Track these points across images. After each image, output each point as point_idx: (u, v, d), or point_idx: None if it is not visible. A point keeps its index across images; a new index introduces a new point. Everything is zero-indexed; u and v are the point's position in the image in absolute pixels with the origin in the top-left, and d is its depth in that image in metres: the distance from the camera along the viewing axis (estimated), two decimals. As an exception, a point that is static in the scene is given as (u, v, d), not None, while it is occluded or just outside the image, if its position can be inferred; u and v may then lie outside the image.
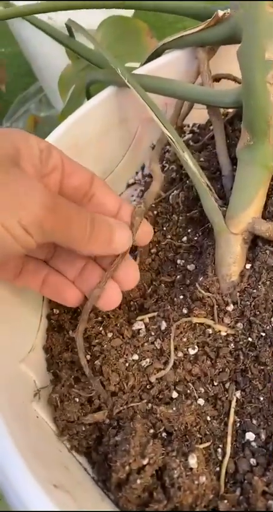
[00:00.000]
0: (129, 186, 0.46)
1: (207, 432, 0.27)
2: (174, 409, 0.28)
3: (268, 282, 0.29)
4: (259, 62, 0.25)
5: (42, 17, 0.48)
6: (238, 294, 0.29)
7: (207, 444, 0.27)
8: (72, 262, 0.30)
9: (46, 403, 0.29)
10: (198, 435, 0.27)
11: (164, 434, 0.27)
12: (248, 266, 0.30)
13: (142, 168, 0.47)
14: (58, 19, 0.67)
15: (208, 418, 0.28)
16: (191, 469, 0.23)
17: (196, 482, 0.23)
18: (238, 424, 0.27)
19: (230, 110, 0.40)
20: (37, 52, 0.89)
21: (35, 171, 0.25)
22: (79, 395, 0.28)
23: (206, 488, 0.23)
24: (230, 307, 0.29)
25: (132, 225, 0.29)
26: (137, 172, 0.46)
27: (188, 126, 0.45)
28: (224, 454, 0.26)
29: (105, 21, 0.60)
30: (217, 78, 0.41)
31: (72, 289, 0.29)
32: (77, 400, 0.28)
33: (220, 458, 0.26)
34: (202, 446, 0.26)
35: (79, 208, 0.25)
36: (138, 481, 0.23)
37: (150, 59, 0.43)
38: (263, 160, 0.30)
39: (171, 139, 0.33)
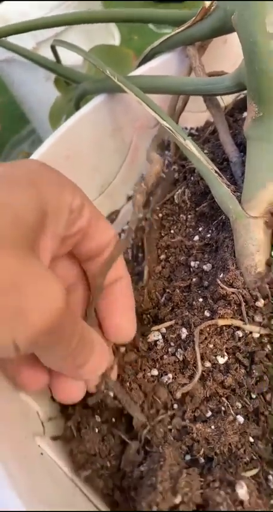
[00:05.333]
0: (129, 198, 0.43)
1: (253, 456, 0.22)
2: (213, 427, 0.23)
3: None
4: (259, 21, 0.23)
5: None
6: (268, 286, 0.25)
7: (255, 471, 0.22)
8: None
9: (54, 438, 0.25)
10: (243, 460, 0.22)
11: (202, 460, 0.22)
12: (275, 253, 0.26)
13: (141, 179, 0.44)
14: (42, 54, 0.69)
15: (251, 439, 0.23)
16: (241, 502, 0.18)
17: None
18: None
19: (229, 101, 0.37)
20: (29, 94, 0.90)
21: (54, 238, 0.21)
22: (101, 423, 0.24)
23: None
24: (260, 303, 0.25)
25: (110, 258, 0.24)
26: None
27: (186, 128, 0.43)
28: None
29: (92, 50, 0.60)
30: (210, 76, 0.39)
31: None
32: (96, 430, 0.24)
33: (272, 487, 0.21)
34: (248, 474, 0.21)
35: (76, 320, 0.20)
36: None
37: (140, 66, 0.41)
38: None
39: (170, 130, 0.30)
